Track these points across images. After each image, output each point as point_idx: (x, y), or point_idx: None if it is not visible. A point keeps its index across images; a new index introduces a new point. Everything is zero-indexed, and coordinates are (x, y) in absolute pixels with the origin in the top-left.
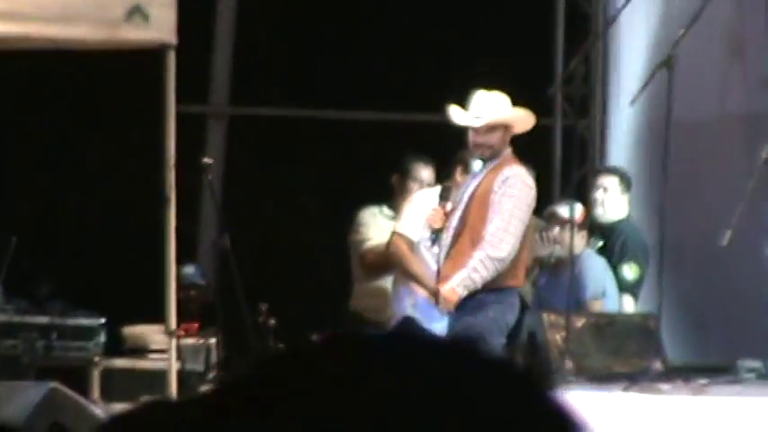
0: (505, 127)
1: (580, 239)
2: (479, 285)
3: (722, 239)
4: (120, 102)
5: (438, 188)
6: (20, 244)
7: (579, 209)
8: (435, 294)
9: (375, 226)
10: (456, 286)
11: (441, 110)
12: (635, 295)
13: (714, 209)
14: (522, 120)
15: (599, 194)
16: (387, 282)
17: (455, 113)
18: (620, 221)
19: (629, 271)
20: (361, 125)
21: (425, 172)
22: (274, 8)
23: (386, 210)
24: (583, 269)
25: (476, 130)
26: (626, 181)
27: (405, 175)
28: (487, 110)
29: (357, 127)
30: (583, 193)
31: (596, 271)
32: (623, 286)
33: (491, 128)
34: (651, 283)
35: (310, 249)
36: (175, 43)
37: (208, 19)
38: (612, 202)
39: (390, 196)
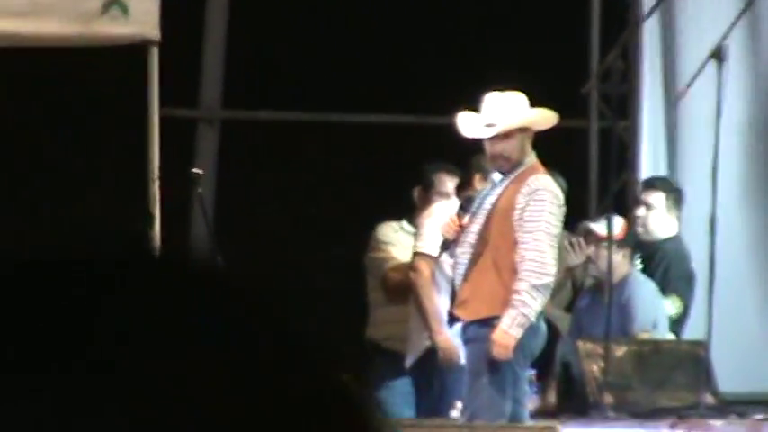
0: (523, 131)
1: (622, 259)
2: (533, 319)
3: None
4: (98, 106)
5: (457, 198)
6: None
7: (618, 224)
8: (433, 337)
9: (397, 243)
10: (508, 329)
11: (456, 111)
12: (676, 333)
13: None
14: (543, 120)
15: (641, 212)
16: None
17: (464, 123)
18: (665, 241)
19: (671, 306)
20: (368, 128)
21: (451, 183)
22: (271, 0)
23: (406, 225)
24: (631, 296)
25: (490, 139)
26: (674, 196)
27: (428, 188)
28: (500, 115)
29: (363, 131)
30: (622, 204)
31: (646, 299)
32: None
33: (506, 135)
34: (700, 305)
35: (316, 270)
36: (159, 39)
37: (196, 11)
38: (657, 221)
39: (411, 210)
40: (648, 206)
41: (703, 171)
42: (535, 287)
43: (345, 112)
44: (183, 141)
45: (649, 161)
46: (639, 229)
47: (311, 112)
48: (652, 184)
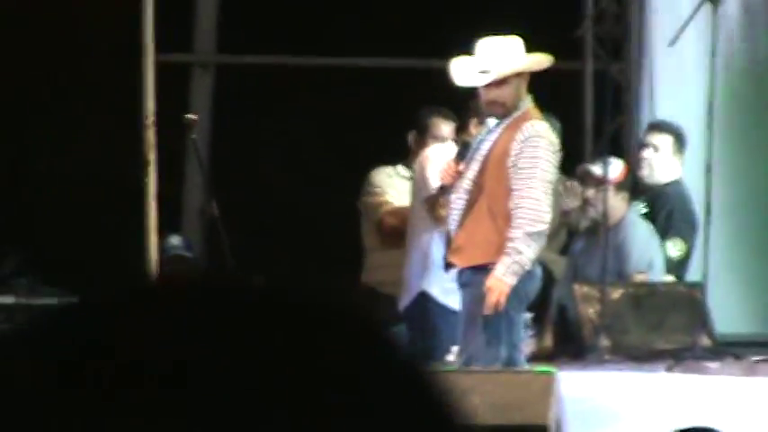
0: (518, 75)
1: (620, 201)
2: (528, 267)
3: None
4: (92, 51)
5: (453, 143)
6: None
7: (617, 166)
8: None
9: (391, 188)
10: (502, 276)
11: (454, 54)
12: (679, 276)
13: None
14: (537, 64)
15: (647, 154)
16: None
17: (458, 70)
18: (668, 185)
19: (674, 248)
20: (366, 72)
21: (447, 128)
22: None
23: (401, 170)
24: (626, 236)
25: (484, 86)
26: (681, 140)
27: (423, 132)
28: (495, 61)
29: (361, 75)
30: (618, 147)
31: (642, 239)
32: (666, 265)
33: (501, 81)
34: (697, 247)
35: (313, 215)
36: None
37: None
38: (663, 163)
39: (405, 155)
40: (656, 148)
41: (698, 114)
42: (529, 235)
43: (341, 55)
44: (177, 87)
45: (649, 103)
46: (645, 171)
47: (305, 56)
48: (658, 126)
